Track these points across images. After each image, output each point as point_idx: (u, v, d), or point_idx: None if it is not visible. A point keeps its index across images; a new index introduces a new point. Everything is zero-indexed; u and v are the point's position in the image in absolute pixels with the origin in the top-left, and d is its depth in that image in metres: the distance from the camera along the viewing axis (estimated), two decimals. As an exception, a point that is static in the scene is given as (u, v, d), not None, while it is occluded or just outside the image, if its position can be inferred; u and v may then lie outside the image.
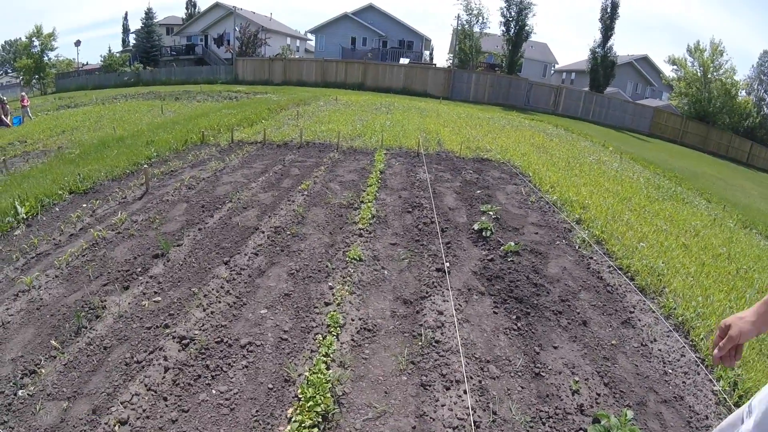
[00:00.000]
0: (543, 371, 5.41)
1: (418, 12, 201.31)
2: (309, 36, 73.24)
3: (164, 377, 4.97)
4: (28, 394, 4.79)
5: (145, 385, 4.82)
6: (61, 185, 11.10)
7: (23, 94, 30.62)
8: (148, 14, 68.22)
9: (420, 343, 5.71)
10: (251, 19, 61.26)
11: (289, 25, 76.79)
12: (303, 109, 26.95)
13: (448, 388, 5.03)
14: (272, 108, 26.04)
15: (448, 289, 6.93)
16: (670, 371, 5.66)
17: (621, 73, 57.08)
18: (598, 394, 5.14)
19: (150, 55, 66.54)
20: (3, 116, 24.84)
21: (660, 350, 6.05)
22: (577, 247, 9.00)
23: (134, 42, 73.49)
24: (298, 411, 4.47)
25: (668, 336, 6.33)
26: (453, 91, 46.68)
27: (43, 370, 5.10)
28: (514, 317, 6.44)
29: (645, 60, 67.94)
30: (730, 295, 7.68)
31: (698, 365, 5.75)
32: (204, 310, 6.14)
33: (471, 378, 5.19)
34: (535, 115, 37.84)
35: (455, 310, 6.44)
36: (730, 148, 43.07)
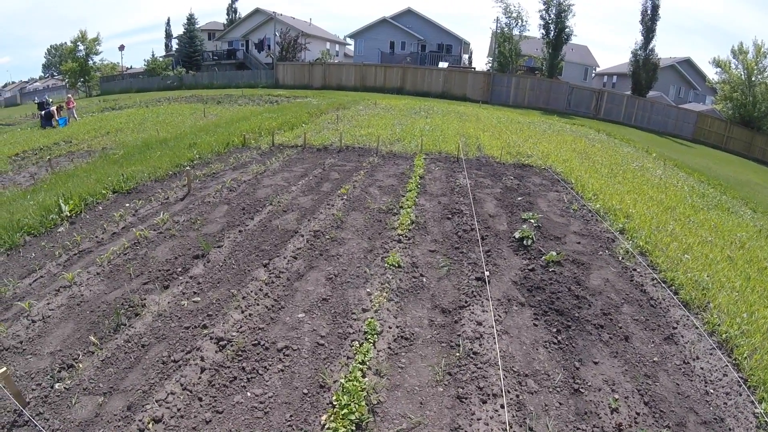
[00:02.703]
0: (582, 387, 5.26)
1: (457, 15, 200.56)
2: (348, 41, 73.74)
3: (200, 377, 4.99)
4: (64, 388, 4.86)
5: (181, 385, 4.84)
6: (105, 185, 11.32)
7: (69, 96, 31.50)
8: (190, 20, 69.46)
9: (457, 354, 5.60)
10: (291, 25, 61.83)
11: (328, 29, 77.61)
12: (342, 113, 27.06)
13: (484, 402, 4.92)
14: (312, 112, 26.21)
15: (487, 299, 6.80)
16: (712, 391, 5.45)
17: (663, 77, 55.76)
18: (638, 413, 4.97)
19: (192, 59, 67.75)
20: (55, 118, 25.55)
21: (702, 369, 5.83)
22: (620, 258, 8.75)
23: (177, 47, 75.03)
24: (332, 418, 4.43)
25: (711, 354, 6.09)
26: (492, 95, 46.24)
27: (80, 365, 5.18)
28: (555, 330, 6.28)
29: (688, 63, 66.19)
30: (776, 310, 7.36)
31: (740, 385, 5.51)
32: (242, 312, 6.15)
33: (508, 392, 5.07)
34: (576, 120, 37.28)
35: (494, 321, 6.31)
36: (776, 155, 41.82)
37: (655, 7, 48.08)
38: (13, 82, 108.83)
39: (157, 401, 4.62)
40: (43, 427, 4.35)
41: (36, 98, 45.85)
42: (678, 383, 5.52)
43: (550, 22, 49.18)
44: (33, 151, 18.54)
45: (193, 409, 4.61)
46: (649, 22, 48.51)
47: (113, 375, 5.06)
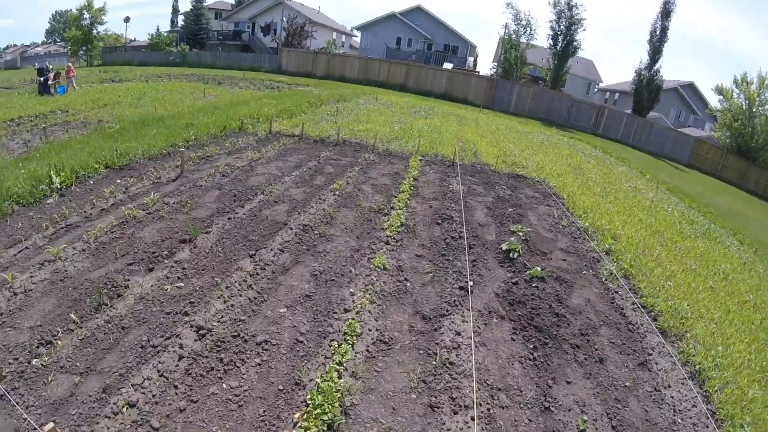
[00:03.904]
0: (553, 406, 5.33)
1: (466, 16, 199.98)
2: (355, 32, 73.39)
3: (177, 365, 5.01)
4: (42, 364, 4.87)
5: (158, 371, 4.86)
6: (98, 159, 11.25)
7: (69, 64, 31.14)
8: (198, -3, 69.10)
9: (434, 363, 5.66)
10: (299, 11, 61.45)
11: (335, 19, 77.14)
12: (343, 105, 27.02)
13: (456, 413, 4.98)
14: (312, 102, 26.15)
15: (468, 310, 6.85)
16: (680, 421, 5.53)
17: (665, 99, 55.79)
18: (604, 437, 5.05)
19: (197, 37, 67.11)
20: (51, 82, 25.29)
21: (672, 398, 5.92)
22: (603, 279, 8.83)
23: (182, 23, 74.32)
24: (305, 417, 4.47)
25: (683, 384, 6.19)
26: (494, 101, 46.17)
27: (59, 342, 5.18)
28: (532, 346, 6.35)
29: (690, 87, 66.37)
30: (751, 346, 7.47)
31: (708, 418, 5.61)
32: (224, 302, 6.17)
33: (480, 405, 5.13)
34: (574, 133, 37.36)
35: (473, 332, 6.36)
36: (770, 188, 42.11)
37: (664, 29, 48.17)
38: (15, 45, 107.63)
39: (133, 385, 4.64)
40: (17, 403, 4.36)
41: (36, 63, 45.30)
42: (647, 410, 5.60)
43: (559, 33, 49.20)
44: (29, 117, 18.35)
45: (168, 397, 4.63)
46: (657, 43, 48.61)
47: (91, 355, 5.07)
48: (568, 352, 6.36)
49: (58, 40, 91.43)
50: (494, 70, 59.16)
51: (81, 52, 59.52)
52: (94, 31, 59.07)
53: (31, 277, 6.34)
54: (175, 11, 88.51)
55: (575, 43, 49.39)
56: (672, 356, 6.69)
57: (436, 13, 66.93)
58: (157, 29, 69.24)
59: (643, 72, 49.74)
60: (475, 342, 6.14)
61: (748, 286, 10.65)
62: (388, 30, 63.36)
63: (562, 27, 49.03)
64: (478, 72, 61.70)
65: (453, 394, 5.19)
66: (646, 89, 49.39)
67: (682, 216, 16.45)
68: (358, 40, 71.30)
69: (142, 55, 60.84)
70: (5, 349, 5.04)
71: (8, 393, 4.43)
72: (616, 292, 8.40)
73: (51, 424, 3.93)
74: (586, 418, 5.22)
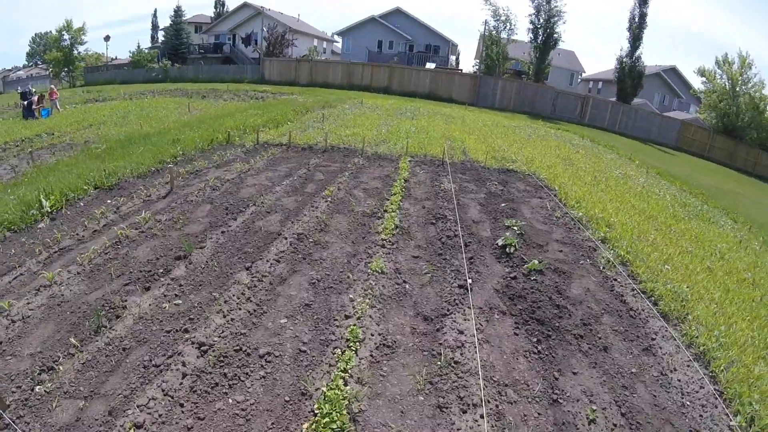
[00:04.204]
0: (561, 398, 5.32)
1: (445, 16, 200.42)
2: (336, 38, 73.48)
3: (182, 383, 4.97)
4: (45, 391, 4.82)
5: (162, 390, 4.82)
6: (87, 180, 11.17)
7: (52, 86, 31.04)
8: (178, 12, 68.77)
9: (439, 363, 5.64)
10: (279, 20, 61.41)
11: (316, 26, 77.17)
12: (328, 111, 27.01)
13: (464, 411, 4.96)
14: (298, 110, 26.11)
15: (469, 308, 6.84)
16: (688, 403, 5.54)
17: (649, 84, 56.10)
18: (615, 425, 5.05)
19: (178, 52, 66.98)
20: (35, 106, 25.17)
21: (679, 380, 5.92)
22: (601, 267, 8.84)
23: (163, 39, 74.12)
24: (313, 426, 4.45)
25: (688, 366, 6.19)
26: (479, 98, 46.28)
27: (61, 368, 5.13)
28: (535, 340, 6.34)
29: (673, 71, 66.91)
30: (754, 323, 7.50)
31: (716, 398, 5.61)
32: (224, 317, 6.13)
33: (488, 402, 5.11)
34: (561, 125, 37.51)
35: (476, 329, 6.34)
36: (758, 165, 42.01)
37: (643, 16, 48.48)
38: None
39: (138, 406, 4.60)
40: (23, 431, 4.32)
41: (19, 87, 45.16)
42: (655, 395, 5.60)
43: (539, 26, 49.38)
44: (14, 142, 18.23)
45: (175, 415, 4.59)
46: (637, 29, 48.89)
47: (94, 378, 5.03)
48: (571, 343, 6.36)
49: (39, 62, 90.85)
50: (477, 67, 59.32)
51: (63, 73, 59.35)
52: (75, 52, 58.94)
53: (28, 303, 6.28)
54: (155, 27, 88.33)
55: (556, 35, 49.63)
56: (675, 339, 6.70)
57: (416, 14, 67.50)
58: (138, 46, 69.23)
59: (624, 59, 50.03)
60: (478, 339, 6.13)
61: (745, 263, 10.72)
62: (369, 34, 63.49)
63: (541, 20, 49.22)
64: (461, 70, 62.00)
65: (460, 393, 5.18)
66: (629, 76, 49.67)
67: (674, 199, 16.53)
68: (340, 45, 71.38)
69: (124, 73, 60.62)
70: (7, 377, 4.98)
71: (13, 422, 4.38)
72: (615, 280, 8.41)
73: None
74: (595, 407, 5.21)
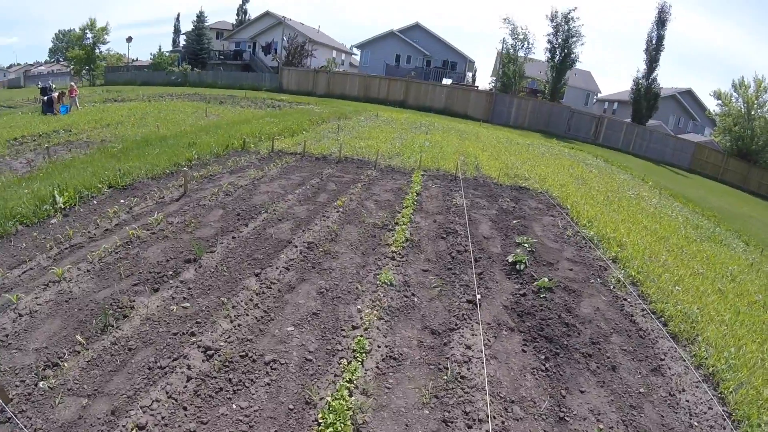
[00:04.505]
0: (568, 416, 5.26)
1: (463, 32, 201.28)
2: (354, 50, 73.89)
3: (186, 386, 4.95)
4: (49, 387, 4.81)
5: (167, 392, 4.80)
6: (101, 179, 11.26)
7: (72, 84, 31.26)
8: (200, 17, 69.47)
9: (445, 377, 5.59)
10: (299, 30, 61.85)
11: (335, 38, 77.59)
12: (344, 123, 27.12)
13: (470, 427, 4.91)
14: (314, 120, 26.24)
15: (478, 323, 6.79)
16: (696, 424, 5.46)
17: (664, 106, 55.90)
18: (622, 445, 4.98)
19: (198, 57, 67.61)
20: (56, 104, 25.40)
21: (687, 401, 5.84)
22: (611, 287, 8.76)
23: (184, 43, 74.88)
24: (317, 436, 4.41)
25: (697, 387, 6.12)
26: (494, 115, 46.41)
27: (65, 364, 5.13)
28: (543, 357, 6.28)
29: (689, 93, 66.46)
30: (764, 346, 7.40)
31: (725, 419, 5.53)
32: (231, 322, 6.12)
33: (494, 418, 5.05)
34: (575, 144, 37.47)
35: (484, 345, 6.29)
36: (772, 189, 42.04)
37: (660, 38, 48.53)
38: (19, 64, 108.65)
39: (141, 407, 4.59)
40: (25, 426, 4.31)
41: (39, 82, 45.58)
42: (663, 415, 5.53)
43: (556, 46, 49.48)
44: (32, 137, 18.41)
45: (178, 418, 4.57)
46: (654, 51, 48.91)
47: (98, 377, 5.02)
48: (580, 362, 6.30)
49: (61, 59, 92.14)
50: (493, 85, 59.41)
51: (84, 71, 60.00)
52: (97, 51, 59.64)
53: (36, 298, 6.31)
54: (177, 31, 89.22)
55: (573, 55, 49.77)
56: (685, 360, 6.62)
57: (435, 29, 67.35)
58: (159, 49, 69.87)
59: (640, 81, 50.05)
60: (485, 355, 6.08)
61: (756, 286, 10.61)
62: (387, 47, 63.77)
63: (559, 40, 49.32)
64: (477, 87, 61.82)
65: (466, 408, 5.13)
66: (645, 98, 49.67)
67: (687, 221, 16.42)
68: (358, 58, 71.76)
69: (144, 75, 61.23)
70: (11, 371, 4.99)
71: (15, 416, 4.38)
72: (625, 300, 8.33)
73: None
74: (601, 426, 5.15)
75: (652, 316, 7.79)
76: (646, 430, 5.23)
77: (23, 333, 5.62)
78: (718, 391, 6.11)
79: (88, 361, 5.22)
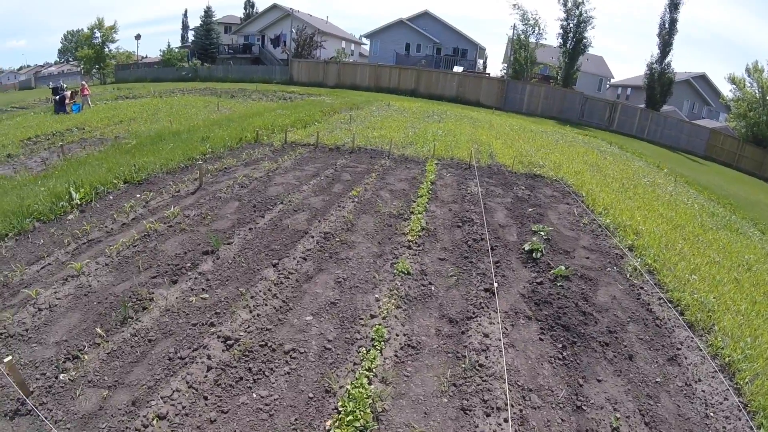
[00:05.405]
0: (585, 405, 5.24)
1: (473, 19, 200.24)
2: (364, 40, 73.75)
3: (206, 376, 4.99)
4: (69, 379, 4.87)
5: (187, 382, 4.84)
6: (116, 174, 11.36)
7: (83, 83, 31.51)
8: (208, 13, 69.61)
9: (463, 366, 5.58)
10: (308, 22, 61.74)
11: (344, 28, 77.45)
12: (356, 113, 27.07)
13: (488, 415, 4.90)
14: (325, 111, 26.23)
15: (495, 311, 6.77)
16: (712, 414, 5.41)
17: (678, 91, 55.06)
18: (637, 434, 4.96)
19: (208, 52, 67.80)
20: (68, 102, 25.61)
21: (704, 391, 5.79)
22: (628, 275, 8.68)
23: (193, 39, 75.03)
24: (337, 424, 4.43)
25: (713, 377, 6.05)
26: (506, 102, 46.07)
27: (85, 357, 5.18)
28: (560, 346, 6.25)
29: (703, 78, 65.53)
30: (780, 336, 7.30)
31: (740, 410, 5.47)
32: (250, 312, 6.15)
33: (512, 406, 5.04)
34: (588, 131, 37.14)
35: (501, 333, 6.28)
36: (788, 176, 41.38)
37: (673, 21, 47.83)
38: (29, 66, 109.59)
39: (162, 398, 4.62)
40: (46, 417, 4.36)
41: (50, 83, 45.99)
42: (679, 405, 5.49)
43: (568, 31, 48.93)
44: (45, 136, 18.60)
45: (198, 408, 4.61)
46: (667, 36, 48.24)
47: (119, 368, 5.07)
48: (597, 350, 6.26)
49: (70, 59, 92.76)
50: (504, 71, 58.95)
51: (94, 70, 60.34)
52: (106, 50, 60.00)
53: (55, 292, 6.37)
54: (185, 27, 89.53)
55: (585, 40, 49.10)
56: (701, 350, 6.55)
57: (444, 17, 66.97)
58: (168, 45, 70.12)
59: (654, 66, 49.40)
60: (503, 343, 6.06)
61: (773, 276, 10.46)
62: (397, 36, 63.41)
63: (571, 25, 48.78)
64: (489, 74, 61.54)
65: (484, 397, 5.12)
66: (658, 83, 49.05)
67: (702, 208, 16.22)
68: (367, 48, 71.48)
69: (154, 72, 61.55)
70: (32, 364, 5.06)
71: (36, 408, 4.43)
72: (642, 288, 8.25)
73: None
74: (618, 415, 5.12)
75: (669, 304, 7.71)
76: (662, 419, 5.19)
77: (43, 327, 5.69)
78: (734, 381, 6.04)
79: (108, 353, 5.27)
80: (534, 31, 51.25)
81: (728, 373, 6.19)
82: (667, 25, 48.24)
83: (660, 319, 7.29)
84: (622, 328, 6.87)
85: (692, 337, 6.83)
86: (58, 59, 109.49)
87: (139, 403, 4.60)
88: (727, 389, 5.81)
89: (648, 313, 7.43)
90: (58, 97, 26.10)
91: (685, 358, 6.42)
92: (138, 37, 73.07)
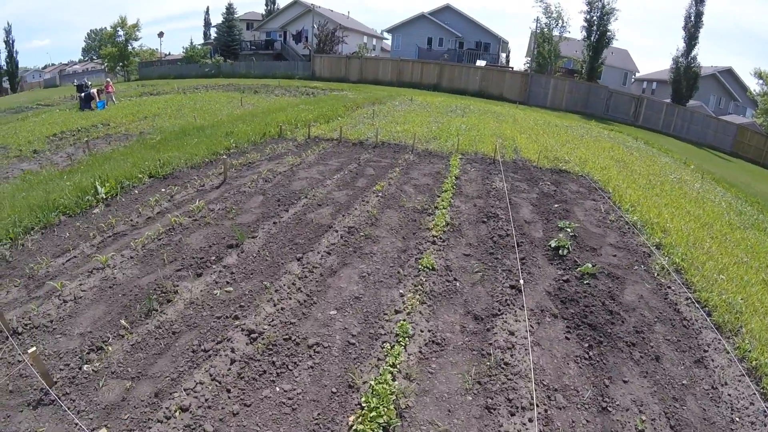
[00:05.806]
0: (610, 406, 5.13)
1: (496, 12, 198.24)
2: (385, 35, 73.41)
3: (230, 369, 4.99)
4: (93, 370, 4.90)
5: (210, 375, 4.84)
6: (141, 169, 11.45)
7: (108, 80, 31.89)
8: (229, 9, 70.03)
9: (488, 363, 5.51)
10: (329, 17, 61.67)
11: (365, 23, 77.35)
12: (378, 108, 27.01)
13: (513, 414, 4.83)
14: (348, 106, 26.21)
15: (521, 309, 6.67)
16: (737, 419, 5.26)
17: (704, 86, 53.93)
18: (662, 438, 4.84)
19: (230, 48, 68.16)
20: (94, 100, 25.91)
21: (730, 395, 5.62)
22: (655, 274, 8.49)
23: (215, 35, 75.57)
24: (360, 420, 4.38)
25: (740, 381, 5.87)
26: (530, 96, 45.55)
27: (109, 348, 5.21)
28: (587, 345, 6.13)
29: (729, 73, 63.88)
30: (809, 341, 7.07)
31: (766, 416, 5.30)
32: (274, 305, 6.14)
33: (537, 405, 4.95)
34: (614, 125, 36.59)
35: (527, 331, 6.18)
36: (815, 175, 40.13)
37: (699, 14, 47.03)
38: (53, 65, 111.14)
39: (185, 390, 4.63)
40: (69, 408, 4.38)
41: (75, 81, 46.69)
42: (705, 408, 5.35)
43: (592, 23, 48.26)
44: (71, 132, 18.85)
45: (221, 401, 4.60)
46: (692, 29, 47.46)
47: (142, 360, 5.09)
48: (623, 351, 6.13)
49: (94, 57, 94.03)
50: (528, 65, 58.43)
51: (118, 68, 61.09)
52: (129, 47, 60.72)
53: (81, 285, 6.42)
54: (207, 24, 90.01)
55: (609, 33, 48.34)
56: (728, 352, 6.36)
57: (466, 10, 66.23)
58: (191, 42, 70.36)
59: (680, 59, 48.69)
60: (529, 342, 5.97)
61: (802, 278, 10.18)
62: (419, 31, 63.09)
63: (595, 17, 48.12)
64: (512, 68, 60.81)
65: (509, 395, 5.04)
66: (684, 77, 48.33)
67: (730, 207, 15.85)
68: (389, 42, 71.24)
69: (177, 68, 62.04)
70: (56, 355, 5.10)
71: (59, 398, 4.46)
72: (669, 287, 8.07)
73: (104, 429, 3.93)
74: (644, 418, 5.01)
75: (697, 305, 7.51)
76: (687, 423, 5.06)
77: (68, 318, 5.74)
78: (760, 386, 5.85)
79: (132, 345, 5.29)
80: (557, 24, 50.72)
81: (755, 378, 6.01)
82: (692, 18, 47.45)
83: (687, 320, 7.12)
84: (649, 328, 6.72)
85: (720, 339, 6.65)
86: (82, 57, 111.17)
87: (162, 394, 4.61)
88: (754, 394, 5.64)
89: (675, 314, 7.27)
90: (83, 94, 26.40)
91: (712, 360, 6.25)
92: (161, 34, 74.21)
